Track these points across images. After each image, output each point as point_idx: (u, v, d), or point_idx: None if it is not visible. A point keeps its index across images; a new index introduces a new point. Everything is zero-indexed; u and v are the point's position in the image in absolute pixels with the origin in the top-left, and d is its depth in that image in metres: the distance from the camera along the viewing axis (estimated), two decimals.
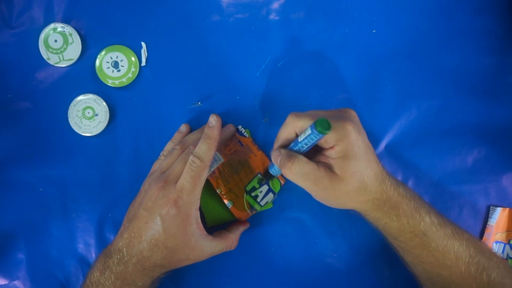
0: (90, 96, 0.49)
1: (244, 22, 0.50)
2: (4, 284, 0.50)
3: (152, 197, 0.42)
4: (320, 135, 0.35)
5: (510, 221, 0.49)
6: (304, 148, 0.39)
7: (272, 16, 0.50)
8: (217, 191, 0.47)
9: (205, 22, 0.50)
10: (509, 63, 0.50)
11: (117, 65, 0.50)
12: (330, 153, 0.40)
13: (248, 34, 0.50)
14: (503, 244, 0.49)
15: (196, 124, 0.50)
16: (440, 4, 0.50)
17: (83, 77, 0.50)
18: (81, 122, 0.50)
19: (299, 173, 0.40)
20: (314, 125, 0.34)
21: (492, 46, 0.50)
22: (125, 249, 0.42)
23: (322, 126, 0.34)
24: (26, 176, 0.50)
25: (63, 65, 0.50)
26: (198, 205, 0.43)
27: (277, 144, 0.43)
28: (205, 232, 0.44)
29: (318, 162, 0.41)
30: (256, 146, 0.49)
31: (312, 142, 0.37)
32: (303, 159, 0.40)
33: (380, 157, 0.50)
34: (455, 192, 0.50)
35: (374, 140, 0.50)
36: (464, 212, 0.50)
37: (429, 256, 0.41)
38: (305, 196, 0.50)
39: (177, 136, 0.49)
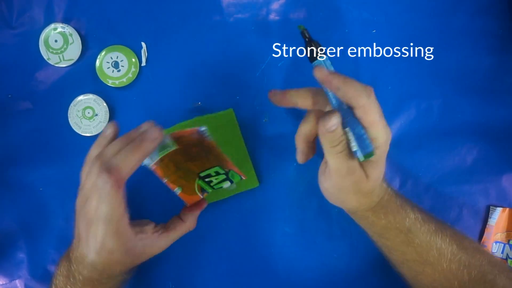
0: (90, 96, 0.49)
1: (244, 22, 0.50)
2: (5, 284, 0.50)
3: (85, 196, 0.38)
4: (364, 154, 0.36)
5: (510, 221, 0.49)
6: None
7: (272, 16, 0.50)
8: (164, 181, 0.42)
9: (205, 22, 0.50)
10: (509, 63, 0.50)
11: (117, 65, 0.50)
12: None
13: (248, 34, 0.50)
14: (502, 244, 0.49)
15: None
16: (440, 4, 0.50)
17: (83, 77, 0.50)
18: (81, 122, 0.50)
19: (342, 154, 0.36)
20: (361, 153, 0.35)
21: (492, 46, 0.50)
22: (82, 253, 0.39)
23: (367, 155, 0.35)
24: (26, 176, 0.50)
25: (63, 65, 0.50)
26: (126, 219, 0.38)
27: (339, 85, 0.36)
28: (155, 234, 0.41)
29: None
30: (220, 150, 0.43)
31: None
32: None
33: None
34: (455, 192, 0.50)
35: None
36: (464, 212, 0.50)
37: (413, 253, 0.41)
38: (305, 196, 0.50)
39: (101, 142, 0.41)
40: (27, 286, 0.50)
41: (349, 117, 0.36)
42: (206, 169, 0.44)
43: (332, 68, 0.38)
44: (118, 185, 0.36)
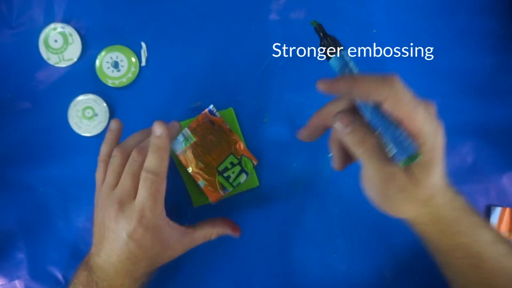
0: (90, 96, 0.49)
1: (244, 22, 0.50)
2: (4, 284, 0.50)
3: (112, 218, 0.40)
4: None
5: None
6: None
7: (272, 16, 0.50)
8: (188, 170, 0.47)
9: (205, 22, 0.50)
10: (510, 63, 0.50)
11: (117, 65, 0.50)
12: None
13: (248, 34, 0.50)
14: None
15: None
16: (440, 4, 0.50)
17: (83, 77, 0.50)
18: (81, 122, 0.50)
19: (376, 156, 0.32)
20: (401, 157, 0.29)
21: (492, 46, 0.50)
22: (106, 267, 0.40)
23: (410, 159, 0.29)
24: (26, 176, 0.50)
25: (63, 65, 0.50)
26: (165, 214, 0.41)
27: (353, 89, 0.32)
28: (183, 229, 0.42)
29: None
30: (228, 127, 0.49)
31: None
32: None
33: None
34: None
35: None
36: None
37: (479, 277, 0.37)
38: (305, 196, 0.50)
39: (109, 137, 0.44)
40: (26, 287, 0.50)
41: (378, 117, 0.31)
42: (223, 161, 0.48)
43: (352, 65, 0.33)
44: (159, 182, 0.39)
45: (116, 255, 0.40)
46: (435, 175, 0.33)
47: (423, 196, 0.33)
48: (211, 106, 0.49)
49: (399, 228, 0.50)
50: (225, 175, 0.48)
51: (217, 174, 0.48)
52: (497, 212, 0.49)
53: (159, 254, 0.41)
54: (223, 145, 0.48)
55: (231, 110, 0.50)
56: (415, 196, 0.33)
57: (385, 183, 0.32)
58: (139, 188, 0.39)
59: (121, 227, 0.39)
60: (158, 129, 0.39)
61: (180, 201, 0.50)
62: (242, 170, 0.49)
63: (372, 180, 0.33)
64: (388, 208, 0.35)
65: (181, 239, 0.42)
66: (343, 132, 0.32)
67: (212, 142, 0.48)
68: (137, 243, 0.39)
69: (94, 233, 0.43)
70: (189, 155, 0.47)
